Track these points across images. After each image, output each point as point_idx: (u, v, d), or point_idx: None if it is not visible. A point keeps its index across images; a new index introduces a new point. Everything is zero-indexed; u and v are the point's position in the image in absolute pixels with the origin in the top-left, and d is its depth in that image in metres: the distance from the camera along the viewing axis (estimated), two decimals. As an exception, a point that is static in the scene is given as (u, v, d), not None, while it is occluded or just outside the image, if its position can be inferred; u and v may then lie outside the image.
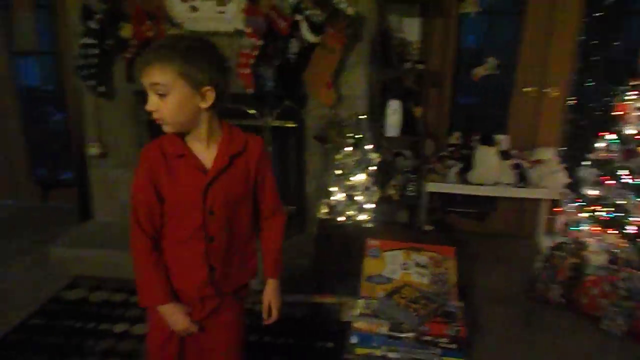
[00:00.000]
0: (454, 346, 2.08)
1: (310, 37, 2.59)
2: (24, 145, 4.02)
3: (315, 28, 2.56)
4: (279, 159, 2.99)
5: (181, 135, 1.29)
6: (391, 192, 3.05)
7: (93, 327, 2.44)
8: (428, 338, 2.09)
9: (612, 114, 2.80)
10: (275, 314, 1.50)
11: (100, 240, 3.01)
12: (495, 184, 3.25)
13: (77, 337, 2.36)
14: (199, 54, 1.21)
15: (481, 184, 3.24)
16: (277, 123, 2.88)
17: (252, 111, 2.78)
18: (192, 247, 1.32)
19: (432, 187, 3.24)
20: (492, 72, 3.35)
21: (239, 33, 2.71)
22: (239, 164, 1.33)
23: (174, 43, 1.21)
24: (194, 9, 2.68)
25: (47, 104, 4.04)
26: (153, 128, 3.09)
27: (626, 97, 2.72)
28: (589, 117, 3.24)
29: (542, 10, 3.23)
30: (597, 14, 3.23)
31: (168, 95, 1.21)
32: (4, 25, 3.70)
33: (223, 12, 2.67)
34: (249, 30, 2.63)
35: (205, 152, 1.30)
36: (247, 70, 2.70)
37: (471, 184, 3.26)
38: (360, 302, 2.26)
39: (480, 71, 3.37)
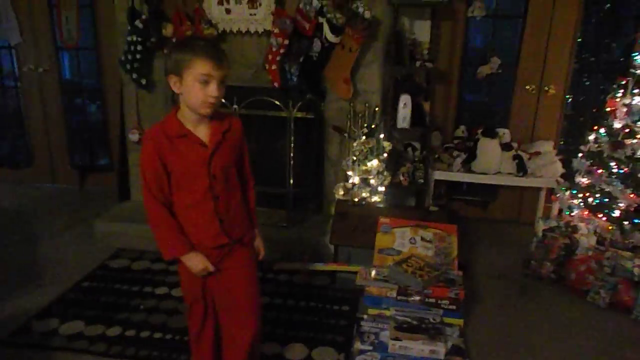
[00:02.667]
0: (453, 307, 2.40)
1: (331, 37, 2.91)
2: (63, 134, 4.40)
3: (336, 29, 2.88)
4: (301, 147, 3.31)
5: (177, 118, 1.60)
6: (401, 178, 3.36)
7: (138, 289, 2.79)
8: (431, 300, 2.41)
9: (604, 109, 3.10)
10: (263, 252, 1.91)
11: (140, 216, 3.35)
12: (497, 173, 3.55)
13: (124, 297, 2.71)
14: None
15: (483, 173, 3.54)
16: (299, 114, 3.20)
17: (277, 103, 3.10)
18: (203, 207, 1.64)
19: (438, 175, 3.55)
20: (496, 70, 3.65)
21: (267, 33, 3.04)
22: (228, 138, 1.67)
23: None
24: (229, 11, 3.01)
25: (84, 96, 4.40)
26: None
27: (616, 95, 3.02)
28: (584, 113, 3.53)
29: (542, 13, 3.52)
30: (594, 18, 3.52)
31: (224, 84, 1.56)
32: (50, 22, 4.07)
33: (254, 14, 3.00)
34: (276, 30, 2.95)
35: (200, 131, 1.62)
36: (275, 67, 3.03)
37: (474, 173, 3.56)
38: (373, 270, 2.58)
39: (484, 70, 3.67)
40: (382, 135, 3.03)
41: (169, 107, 3.43)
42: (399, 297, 2.44)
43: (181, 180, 1.62)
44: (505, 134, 3.66)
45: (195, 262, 1.66)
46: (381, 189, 3.04)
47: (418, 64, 3.27)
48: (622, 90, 2.97)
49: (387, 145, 3.03)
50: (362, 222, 2.88)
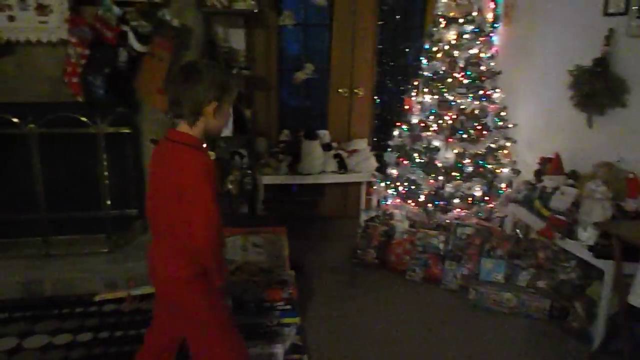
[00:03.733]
0: (288, 307, 2.45)
1: (137, 46, 2.75)
2: None
3: (143, 38, 2.73)
4: (117, 164, 3.07)
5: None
6: (230, 187, 3.34)
7: None
8: (267, 304, 2.44)
9: (403, 108, 3.49)
10: None
11: None
12: (321, 172, 3.75)
13: None
14: None
15: (309, 174, 3.71)
16: (111, 130, 2.96)
17: (84, 119, 2.83)
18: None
19: (266, 179, 3.62)
20: (311, 76, 3.86)
21: (64, 42, 2.75)
22: None
23: None
24: (12, 18, 2.65)
25: None
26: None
27: (411, 94, 3.42)
28: (389, 111, 3.94)
29: (345, 23, 3.83)
30: (389, 27, 3.94)
31: None
32: None
33: (45, 22, 2.69)
34: (74, 40, 2.69)
35: None
36: (76, 79, 2.75)
37: (301, 174, 3.71)
38: (206, 284, 2.51)
39: (300, 75, 3.85)
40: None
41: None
42: (235, 308, 2.41)
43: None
44: (325, 135, 3.89)
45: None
46: (209, 199, 2.97)
47: (235, 71, 3.29)
48: (415, 90, 3.38)
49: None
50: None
